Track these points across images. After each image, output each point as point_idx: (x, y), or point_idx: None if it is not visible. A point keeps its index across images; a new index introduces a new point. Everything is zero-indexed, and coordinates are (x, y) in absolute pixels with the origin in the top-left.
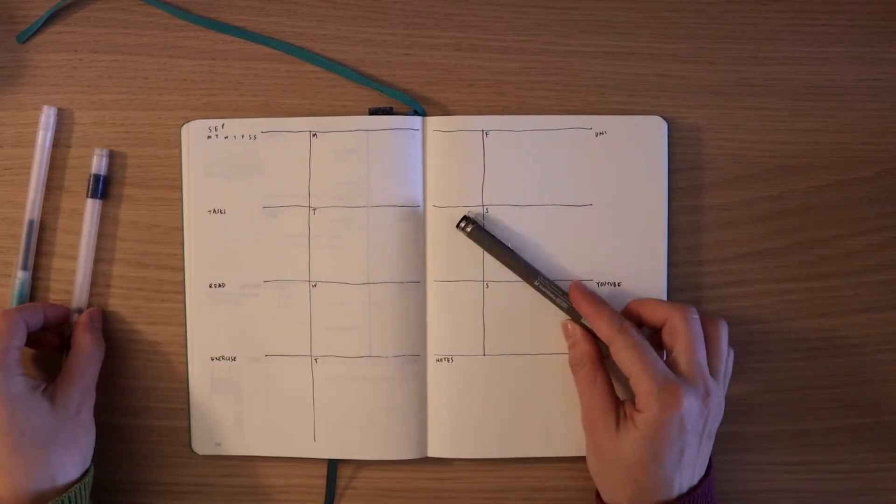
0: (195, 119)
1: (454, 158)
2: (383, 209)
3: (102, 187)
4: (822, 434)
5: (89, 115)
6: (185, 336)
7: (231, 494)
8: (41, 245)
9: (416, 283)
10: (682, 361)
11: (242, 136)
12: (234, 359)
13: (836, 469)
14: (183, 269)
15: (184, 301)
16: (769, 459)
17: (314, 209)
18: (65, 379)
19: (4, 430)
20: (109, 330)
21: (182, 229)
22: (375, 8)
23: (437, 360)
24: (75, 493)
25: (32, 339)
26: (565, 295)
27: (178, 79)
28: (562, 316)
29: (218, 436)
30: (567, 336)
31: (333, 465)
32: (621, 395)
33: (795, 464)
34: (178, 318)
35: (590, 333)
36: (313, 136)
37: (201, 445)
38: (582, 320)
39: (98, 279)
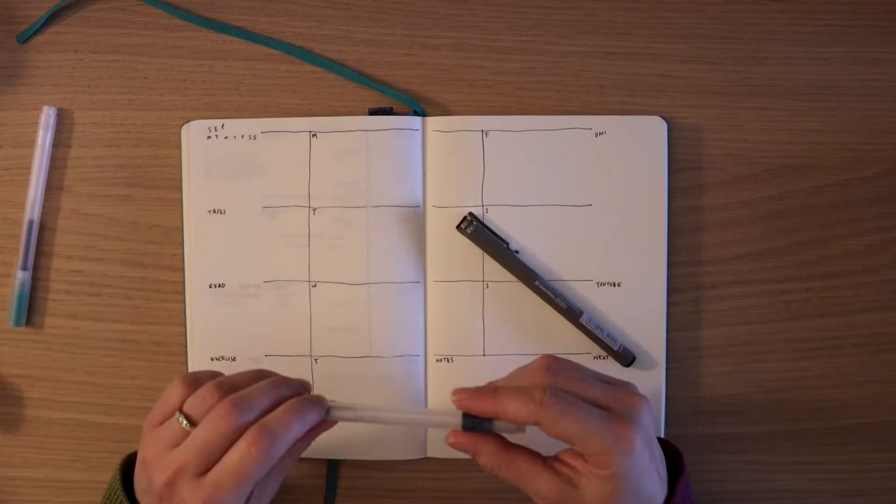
0: (195, 119)
1: (454, 158)
2: (383, 209)
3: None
4: (822, 434)
5: (89, 115)
6: (185, 336)
7: None
8: (41, 245)
9: (416, 283)
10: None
11: (242, 137)
12: (234, 359)
13: (836, 469)
14: (183, 269)
15: (184, 301)
16: (769, 459)
17: (314, 209)
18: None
19: None
20: (110, 330)
21: (182, 229)
22: (375, 8)
23: (437, 360)
24: None
25: None
26: (565, 296)
27: (178, 79)
28: (561, 318)
29: None
30: (465, 450)
31: (333, 465)
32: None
33: (795, 464)
34: (178, 318)
35: (482, 433)
36: (313, 136)
37: None
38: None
39: (99, 279)
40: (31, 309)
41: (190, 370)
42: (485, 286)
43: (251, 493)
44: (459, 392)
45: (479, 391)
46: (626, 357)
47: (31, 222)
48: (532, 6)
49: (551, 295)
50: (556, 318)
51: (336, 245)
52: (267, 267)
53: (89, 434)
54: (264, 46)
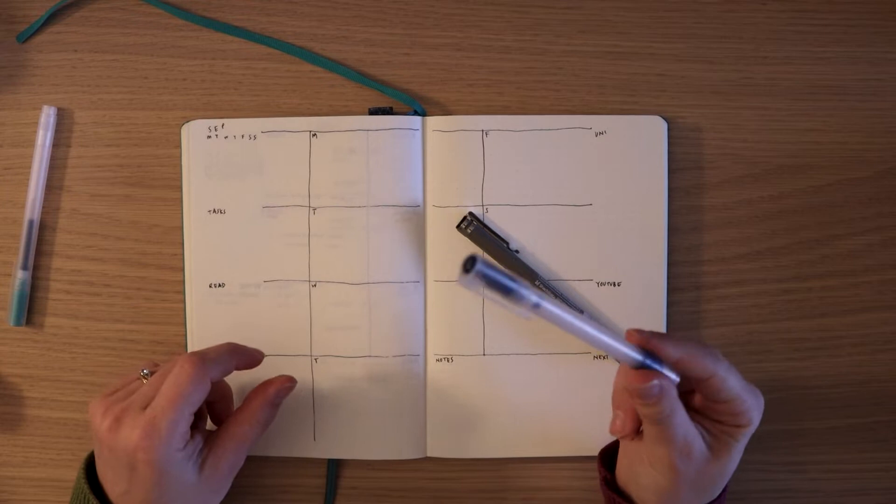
0: (195, 119)
1: (454, 158)
2: (383, 209)
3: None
4: (822, 434)
5: (89, 115)
6: (185, 336)
7: (231, 494)
8: (41, 245)
9: (416, 283)
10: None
11: (242, 136)
12: None
13: (836, 469)
14: (183, 269)
15: (184, 301)
16: (769, 459)
17: (314, 209)
18: (223, 448)
19: (146, 498)
20: (110, 330)
21: (182, 229)
22: (375, 8)
23: (437, 360)
24: None
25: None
26: (565, 295)
27: (178, 79)
28: None
29: None
30: (648, 395)
31: (333, 465)
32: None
33: (795, 464)
34: (178, 318)
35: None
36: (313, 136)
37: None
38: (645, 361)
39: (99, 279)
40: (31, 309)
41: None
42: None
43: (205, 453)
44: (643, 332)
45: (662, 335)
46: None
47: (31, 222)
48: (532, 6)
49: (551, 295)
50: None
51: (336, 245)
52: (267, 267)
53: (89, 434)
54: (264, 46)
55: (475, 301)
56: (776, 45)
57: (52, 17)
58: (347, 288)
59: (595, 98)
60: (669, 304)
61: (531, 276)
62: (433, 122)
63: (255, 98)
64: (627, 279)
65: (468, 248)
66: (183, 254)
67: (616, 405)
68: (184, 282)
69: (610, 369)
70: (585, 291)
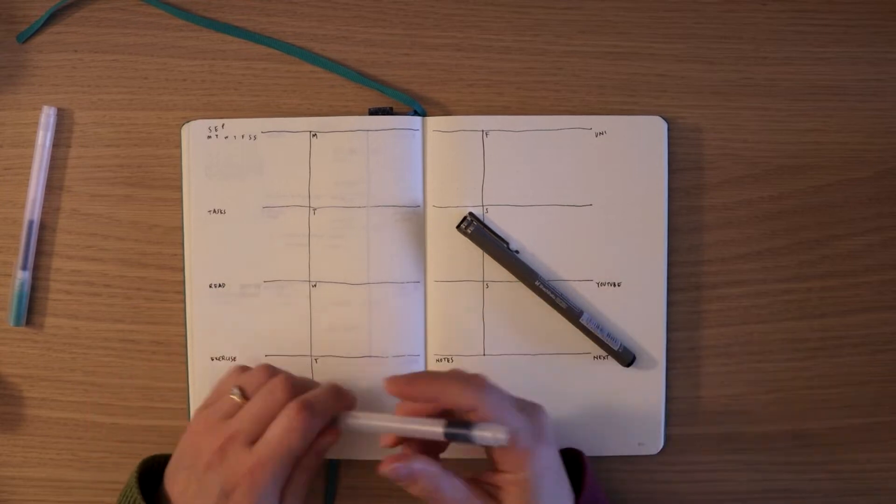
0: (195, 119)
1: (454, 158)
2: (383, 209)
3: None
4: (822, 434)
5: (89, 115)
6: (185, 336)
7: None
8: (41, 245)
9: (416, 283)
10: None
11: (242, 137)
12: (234, 359)
13: (836, 469)
14: (183, 269)
15: (184, 301)
16: (769, 459)
17: (314, 209)
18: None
19: None
20: (110, 330)
21: (182, 229)
22: (375, 8)
23: (437, 361)
24: None
25: None
26: (565, 295)
27: (178, 79)
28: (561, 318)
29: None
30: (400, 478)
31: (333, 465)
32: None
33: (795, 464)
34: (178, 318)
35: (416, 449)
36: (313, 136)
37: None
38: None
39: (99, 279)
40: (31, 309)
41: (190, 370)
42: (485, 286)
43: (287, 488)
44: (392, 379)
45: (413, 376)
46: (626, 357)
47: (31, 222)
48: (532, 6)
49: (551, 295)
50: (556, 318)
51: (336, 245)
52: (267, 267)
53: (89, 434)
54: (264, 46)
55: (475, 301)
56: (776, 45)
57: (52, 17)
58: (347, 288)
59: (595, 98)
60: (669, 304)
61: (531, 276)
62: (433, 122)
63: (255, 98)
64: (627, 279)
65: (468, 248)
66: (183, 254)
67: None
68: (184, 282)
69: (610, 369)
70: (585, 291)
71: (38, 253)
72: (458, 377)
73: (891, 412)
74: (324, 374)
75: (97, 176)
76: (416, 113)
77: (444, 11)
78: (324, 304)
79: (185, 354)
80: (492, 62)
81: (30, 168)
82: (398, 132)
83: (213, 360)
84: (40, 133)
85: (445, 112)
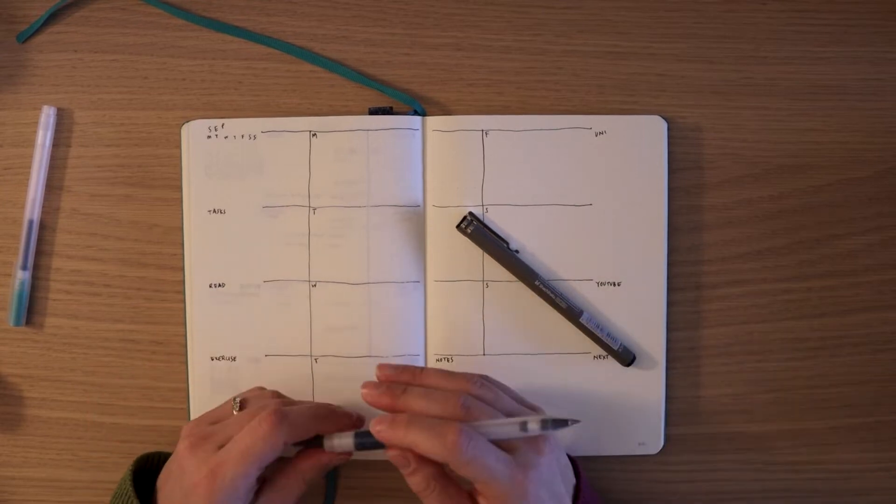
0: (195, 119)
1: (454, 158)
2: (383, 209)
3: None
4: (822, 434)
5: (89, 115)
6: (185, 336)
7: None
8: (41, 245)
9: (416, 283)
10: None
11: (242, 136)
12: (234, 359)
13: (836, 469)
14: (183, 269)
15: (184, 301)
16: (769, 459)
17: (314, 209)
18: (269, 501)
19: None
20: (110, 330)
21: (182, 229)
22: (375, 8)
23: (437, 360)
24: None
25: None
26: (565, 295)
27: (178, 79)
28: (561, 317)
29: None
30: (401, 466)
31: None
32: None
33: (795, 464)
34: (178, 318)
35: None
36: (313, 135)
37: None
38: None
39: (99, 279)
40: (31, 309)
41: (190, 370)
42: (485, 286)
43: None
44: (379, 422)
45: (394, 421)
46: (627, 357)
47: (31, 222)
48: (532, 6)
49: (551, 295)
50: (556, 317)
51: (336, 245)
52: (267, 267)
53: (89, 434)
54: (264, 46)
55: (475, 301)
56: (776, 45)
57: (52, 17)
58: (347, 288)
59: (595, 98)
60: (669, 304)
61: (531, 276)
62: (433, 121)
63: (255, 98)
64: (627, 279)
65: (468, 247)
66: (183, 254)
67: None
68: (184, 282)
69: (610, 369)
70: (585, 291)
71: (38, 253)
72: (430, 430)
73: (891, 412)
74: (324, 374)
75: (97, 176)
76: (416, 113)
77: (444, 11)
78: (324, 304)
79: (185, 354)
80: (492, 62)
81: (30, 168)
82: (398, 132)
83: (213, 360)
84: (40, 133)
85: (445, 112)
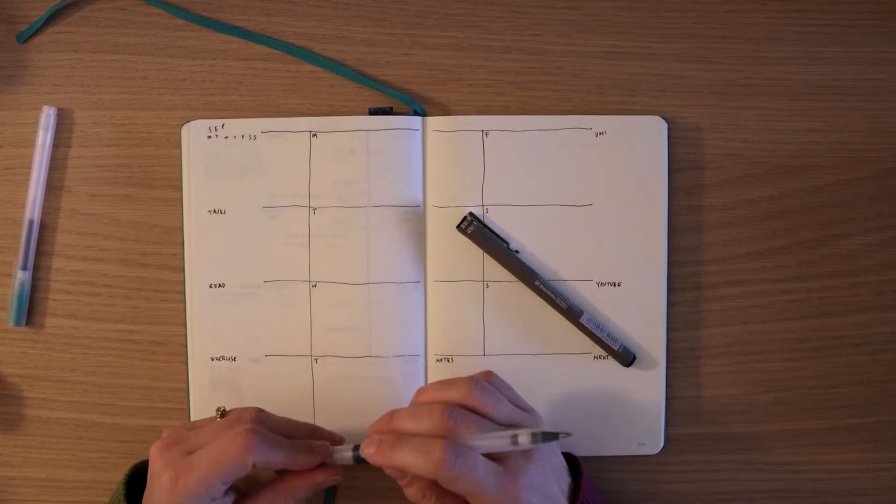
0: (195, 119)
1: (454, 158)
2: (383, 209)
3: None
4: (822, 434)
5: (89, 115)
6: (185, 336)
7: None
8: (41, 245)
9: (416, 283)
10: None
11: (242, 136)
12: (234, 359)
13: (836, 469)
14: (183, 269)
15: (184, 301)
16: (769, 459)
17: (314, 209)
18: None
19: None
20: (110, 330)
21: (182, 229)
22: (375, 8)
23: (437, 360)
24: None
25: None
26: (565, 295)
27: (178, 79)
28: (561, 318)
29: None
30: (397, 478)
31: None
32: None
33: (795, 464)
34: (178, 318)
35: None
36: (313, 136)
37: None
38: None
39: (99, 279)
40: (31, 309)
41: (190, 370)
42: (485, 286)
43: None
44: (368, 445)
45: (381, 443)
46: (627, 357)
47: (31, 222)
48: (532, 6)
49: (551, 295)
50: (556, 317)
51: (336, 245)
52: (267, 267)
53: (89, 434)
54: (264, 46)
55: (475, 301)
56: (776, 45)
57: (52, 18)
58: (347, 288)
59: (595, 98)
60: (669, 304)
61: (531, 276)
62: (433, 122)
63: (255, 98)
64: (627, 279)
65: (468, 247)
66: (183, 254)
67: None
68: (184, 282)
69: (610, 369)
70: (585, 291)
71: (38, 253)
72: (416, 448)
73: (891, 412)
74: (324, 374)
75: (97, 176)
76: (416, 113)
77: (444, 11)
78: (324, 304)
79: (185, 354)
80: (492, 62)
81: (30, 168)
82: (398, 132)
83: (213, 360)
84: (40, 133)
85: (445, 112)
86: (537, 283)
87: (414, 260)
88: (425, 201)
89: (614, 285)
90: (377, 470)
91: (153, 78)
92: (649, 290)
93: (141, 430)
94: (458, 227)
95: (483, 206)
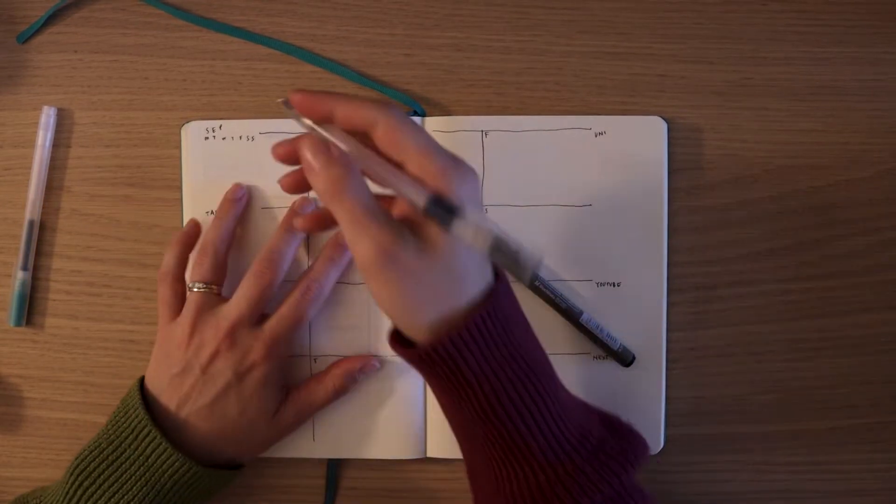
0: (195, 119)
1: None
2: None
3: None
4: (822, 434)
5: (89, 115)
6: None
7: (231, 495)
8: (41, 245)
9: None
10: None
11: (240, 138)
12: None
13: (836, 469)
14: None
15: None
16: (769, 459)
17: None
18: (293, 402)
19: (232, 412)
20: (110, 330)
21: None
22: (375, 8)
23: None
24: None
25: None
26: (564, 296)
27: (178, 79)
28: (560, 318)
29: None
30: (312, 158)
31: (333, 465)
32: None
33: (795, 464)
34: None
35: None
36: None
37: None
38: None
39: (99, 279)
40: (31, 309)
41: None
42: None
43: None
44: (306, 94)
45: (327, 94)
46: (626, 357)
47: (31, 222)
48: (532, 6)
49: (551, 295)
50: (556, 318)
51: None
52: None
53: (89, 434)
54: (264, 46)
55: None
56: (776, 45)
57: (52, 18)
58: (347, 288)
59: (595, 98)
60: (669, 304)
61: (531, 275)
62: (433, 122)
63: (255, 98)
64: (627, 279)
65: None
66: None
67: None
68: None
69: (610, 369)
70: (585, 291)
71: (38, 253)
72: (358, 97)
73: (891, 412)
74: None
75: (97, 176)
76: (415, 113)
77: (444, 11)
78: (323, 304)
79: None
80: (492, 62)
81: (30, 168)
82: None
83: None
84: (40, 133)
85: (445, 112)
86: (537, 283)
87: None
88: None
89: (614, 285)
90: (377, 469)
91: (153, 78)
92: (649, 290)
93: None
94: None
95: (483, 205)
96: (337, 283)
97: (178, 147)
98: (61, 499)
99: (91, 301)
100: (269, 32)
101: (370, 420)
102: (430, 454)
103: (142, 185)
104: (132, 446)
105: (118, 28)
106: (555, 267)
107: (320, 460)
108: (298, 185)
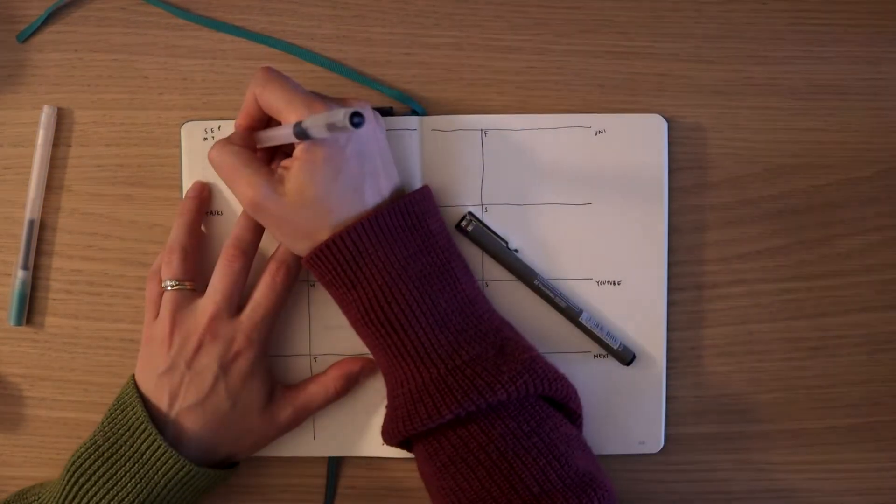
0: (195, 119)
1: (453, 158)
2: None
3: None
4: (822, 434)
5: (89, 114)
6: None
7: (231, 494)
8: (41, 244)
9: None
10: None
11: None
12: None
13: (836, 469)
14: None
15: None
16: (769, 459)
17: None
18: (287, 399)
19: (220, 406)
20: (110, 330)
21: None
22: (375, 7)
23: None
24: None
25: None
26: (564, 294)
27: (178, 79)
28: (560, 317)
29: None
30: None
31: (333, 464)
32: None
33: (795, 464)
34: None
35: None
36: None
37: None
38: None
39: (99, 279)
40: (31, 309)
41: None
42: (485, 285)
43: (275, 396)
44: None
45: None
46: (626, 356)
47: (31, 222)
48: (532, 5)
49: (551, 294)
50: (556, 316)
51: None
52: None
53: (89, 433)
54: (264, 46)
55: None
56: (776, 45)
57: (51, 17)
58: None
59: (595, 98)
60: (669, 304)
61: (531, 275)
62: (432, 121)
63: None
64: (627, 279)
65: (468, 247)
66: None
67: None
68: None
69: (610, 368)
70: (585, 291)
71: (38, 253)
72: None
73: (891, 412)
74: None
75: (97, 175)
76: (415, 112)
77: (444, 11)
78: (322, 304)
79: None
80: (492, 62)
81: (30, 168)
82: (397, 132)
83: None
84: (40, 133)
85: (445, 111)
86: (537, 282)
87: None
88: None
89: (614, 284)
90: (377, 469)
91: (153, 78)
92: (649, 289)
93: None
94: (458, 226)
95: (482, 205)
96: None
97: (178, 146)
98: (58, 496)
99: (91, 300)
100: (269, 31)
101: (371, 418)
102: None
103: (142, 184)
104: (128, 443)
105: (118, 27)
106: (554, 266)
107: (320, 460)
108: (252, 124)
